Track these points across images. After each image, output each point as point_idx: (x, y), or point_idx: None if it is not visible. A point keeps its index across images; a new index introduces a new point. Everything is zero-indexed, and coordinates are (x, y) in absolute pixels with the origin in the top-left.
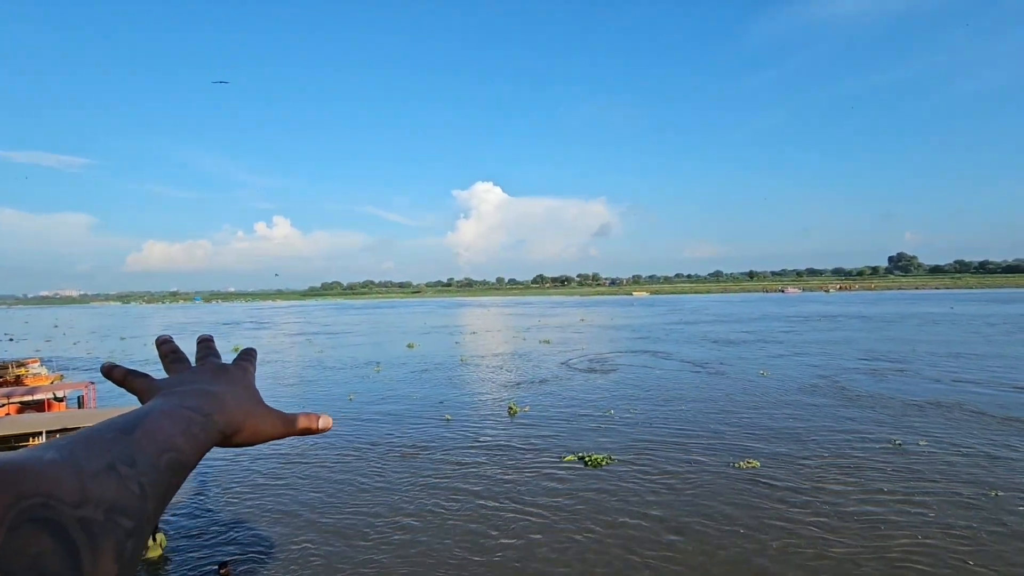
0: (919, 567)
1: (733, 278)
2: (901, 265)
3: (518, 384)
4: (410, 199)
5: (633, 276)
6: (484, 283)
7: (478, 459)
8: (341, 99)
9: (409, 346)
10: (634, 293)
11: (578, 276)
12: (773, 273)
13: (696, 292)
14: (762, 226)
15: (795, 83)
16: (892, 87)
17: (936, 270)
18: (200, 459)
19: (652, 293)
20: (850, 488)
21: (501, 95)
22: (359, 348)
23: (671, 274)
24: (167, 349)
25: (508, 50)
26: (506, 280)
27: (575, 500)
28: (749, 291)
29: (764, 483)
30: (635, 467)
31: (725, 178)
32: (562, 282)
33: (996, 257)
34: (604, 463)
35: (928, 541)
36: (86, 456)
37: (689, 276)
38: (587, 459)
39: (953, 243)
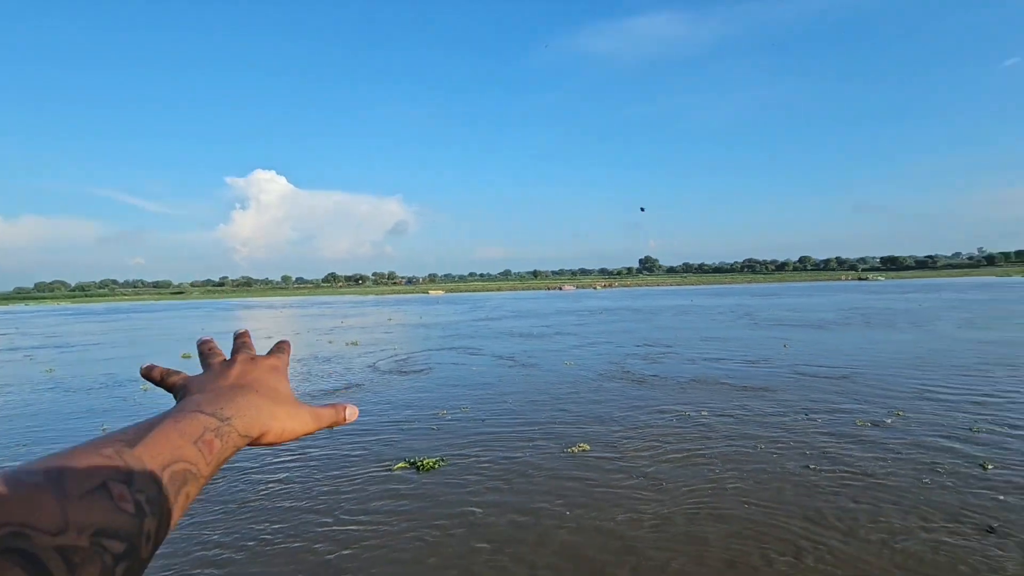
0: (718, 509)
1: (520, 277)
2: (647, 266)
3: (331, 392)
4: (169, 183)
5: (429, 275)
6: (267, 282)
7: (298, 475)
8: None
9: (185, 356)
10: (431, 292)
11: (373, 275)
12: (553, 272)
13: (488, 290)
14: (544, 230)
15: (569, 105)
16: (644, 117)
17: (671, 270)
18: (219, 466)
19: (448, 291)
20: (665, 454)
21: (293, 83)
22: (114, 363)
23: (465, 273)
24: (206, 348)
25: (306, 44)
26: (293, 279)
27: (412, 503)
28: (535, 288)
29: (596, 462)
30: (472, 464)
31: (513, 185)
32: (356, 281)
33: (709, 261)
34: (438, 465)
35: (725, 484)
36: (75, 476)
37: (482, 275)
38: (419, 463)
39: (682, 249)
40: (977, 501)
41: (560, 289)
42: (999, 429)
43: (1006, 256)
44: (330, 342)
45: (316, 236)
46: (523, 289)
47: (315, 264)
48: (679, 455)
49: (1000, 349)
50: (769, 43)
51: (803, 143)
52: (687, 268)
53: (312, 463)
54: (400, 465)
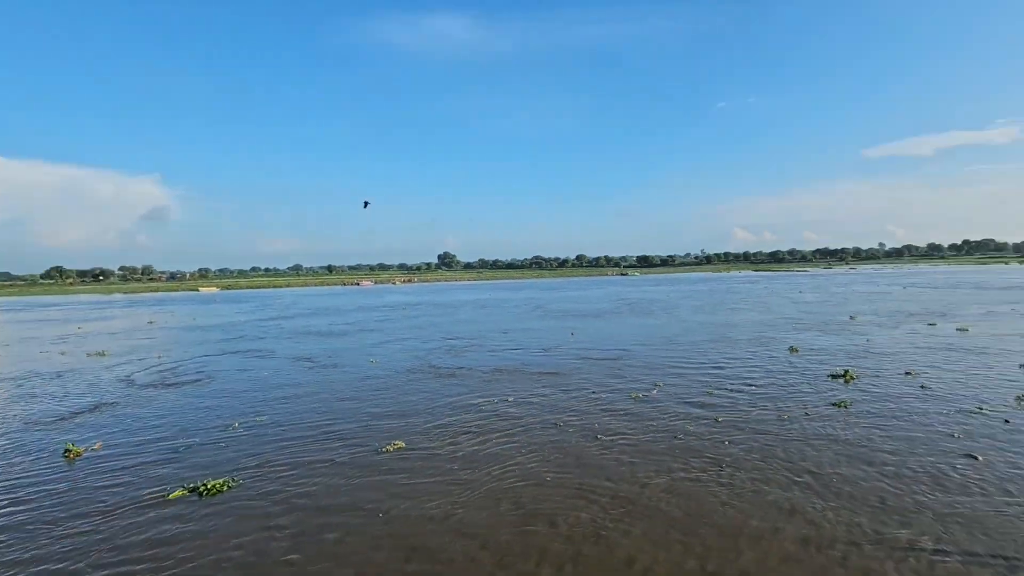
0: (525, 482)
1: (313, 272)
2: (446, 262)
3: (71, 416)
4: None
5: (199, 269)
6: None
7: (27, 519)
8: None
9: None
10: (202, 289)
11: (121, 269)
12: (351, 267)
13: (276, 286)
14: (340, 223)
15: (365, 95)
16: (443, 116)
17: (468, 266)
18: None
19: (225, 288)
20: (477, 443)
21: None
22: None
23: (247, 267)
24: None
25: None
26: None
27: (189, 541)
28: (330, 284)
29: (414, 459)
30: (271, 478)
31: (304, 175)
32: (96, 277)
33: (503, 257)
34: (227, 486)
35: (529, 464)
36: None
37: (267, 269)
38: (203, 487)
39: (478, 246)
40: (716, 444)
41: (358, 284)
42: (726, 391)
43: (718, 256)
44: (62, 353)
45: (28, 220)
46: (317, 285)
47: (31, 256)
48: (490, 440)
49: (721, 329)
50: (560, 60)
51: (580, 154)
52: (483, 264)
53: (51, 503)
54: (177, 493)
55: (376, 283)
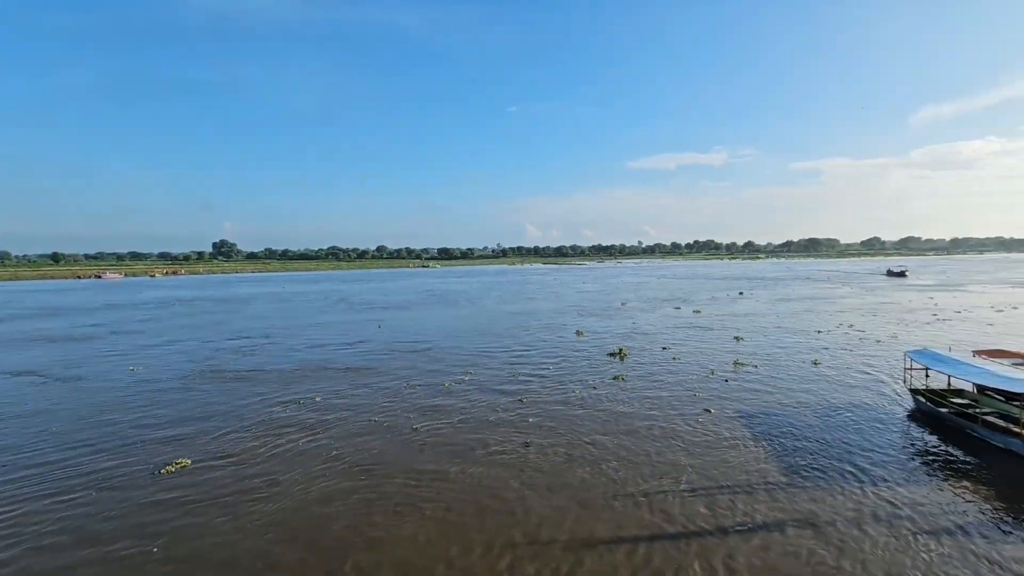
0: (335, 485)
1: (30, 261)
2: (224, 251)
3: None
4: None
5: None
6: None
7: None
8: None
9: None
10: None
11: None
12: (87, 256)
13: None
14: (71, 203)
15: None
16: (214, 86)
17: (252, 256)
18: None
19: None
20: (278, 445)
21: None
22: None
23: None
24: None
25: None
26: None
27: None
28: (56, 277)
29: (199, 474)
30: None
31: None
32: None
33: (294, 247)
34: None
35: (340, 460)
36: None
37: None
38: None
39: (264, 233)
40: (522, 423)
41: (99, 277)
42: (528, 375)
43: (513, 250)
44: None
45: None
46: (35, 279)
47: None
48: (294, 444)
49: (520, 318)
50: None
51: (381, 145)
52: (270, 254)
53: None
54: None
55: (125, 275)
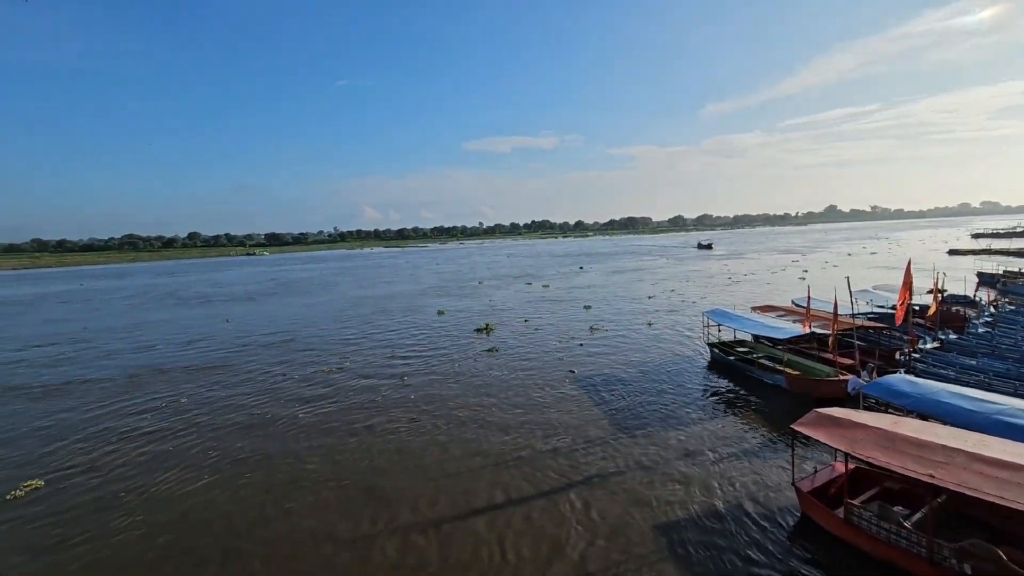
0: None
1: None
2: None
3: None
4: None
5: None
6: None
7: None
8: None
9: None
10: None
11: None
12: None
13: None
14: None
15: None
16: None
17: (12, 248)
18: None
19: None
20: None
21: None
22: None
23: None
24: None
25: None
26: None
27: None
28: None
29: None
30: None
31: None
32: None
33: (75, 236)
34: None
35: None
36: None
37: None
38: None
39: (25, 222)
40: (408, 402)
41: None
42: (404, 355)
43: (351, 234)
44: None
45: None
46: None
47: None
48: (146, 451)
49: (381, 301)
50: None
51: (178, 115)
52: (40, 245)
53: None
54: None
55: None
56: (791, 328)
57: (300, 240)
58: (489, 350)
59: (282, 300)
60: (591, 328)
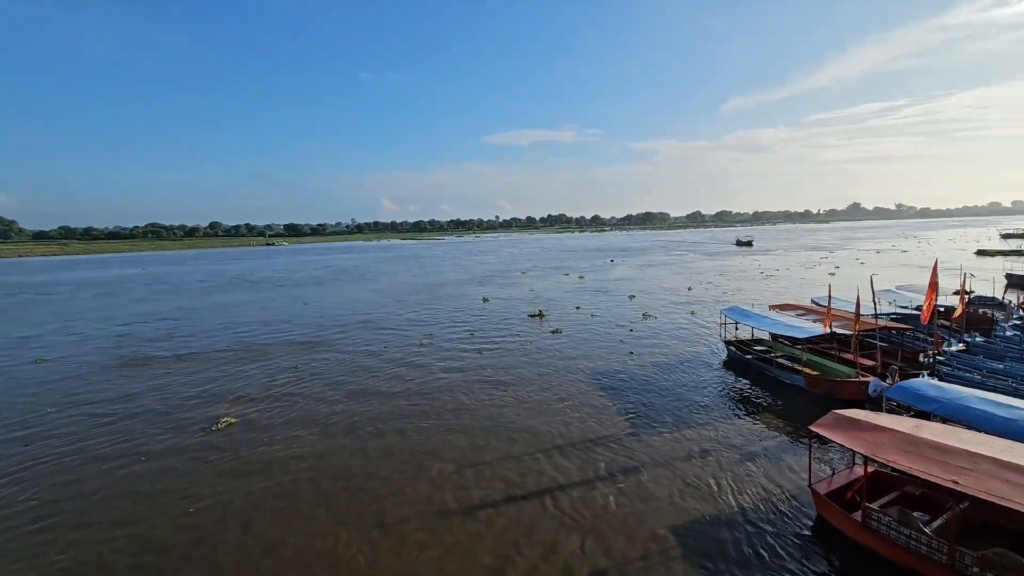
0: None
1: None
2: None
3: None
4: None
5: None
6: None
7: None
8: None
9: None
10: None
11: None
12: None
13: None
14: None
15: None
16: None
17: (41, 235)
18: None
19: None
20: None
21: None
22: None
23: None
24: None
25: None
26: None
27: None
28: None
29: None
30: None
31: None
32: None
33: (100, 224)
34: None
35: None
36: None
37: None
38: None
39: (56, 209)
40: (484, 370)
41: None
42: (477, 332)
43: (369, 226)
44: None
45: None
46: None
47: None
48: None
49: (432, 289)
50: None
51: (204, 112)
52: (68, 233)
53: None
54: None
55: None
56: (811, 327)
57: (317, 231)
58: (554, 332)
59: (346, 286)
60: (643, 315)
